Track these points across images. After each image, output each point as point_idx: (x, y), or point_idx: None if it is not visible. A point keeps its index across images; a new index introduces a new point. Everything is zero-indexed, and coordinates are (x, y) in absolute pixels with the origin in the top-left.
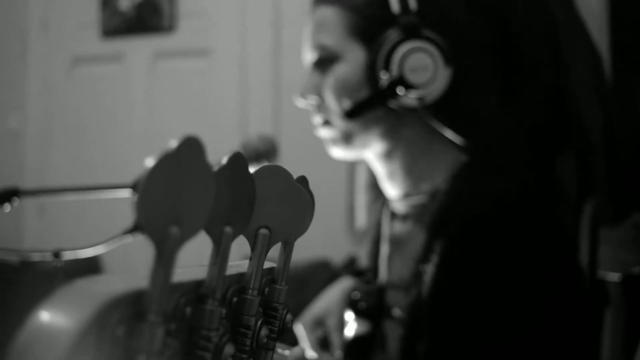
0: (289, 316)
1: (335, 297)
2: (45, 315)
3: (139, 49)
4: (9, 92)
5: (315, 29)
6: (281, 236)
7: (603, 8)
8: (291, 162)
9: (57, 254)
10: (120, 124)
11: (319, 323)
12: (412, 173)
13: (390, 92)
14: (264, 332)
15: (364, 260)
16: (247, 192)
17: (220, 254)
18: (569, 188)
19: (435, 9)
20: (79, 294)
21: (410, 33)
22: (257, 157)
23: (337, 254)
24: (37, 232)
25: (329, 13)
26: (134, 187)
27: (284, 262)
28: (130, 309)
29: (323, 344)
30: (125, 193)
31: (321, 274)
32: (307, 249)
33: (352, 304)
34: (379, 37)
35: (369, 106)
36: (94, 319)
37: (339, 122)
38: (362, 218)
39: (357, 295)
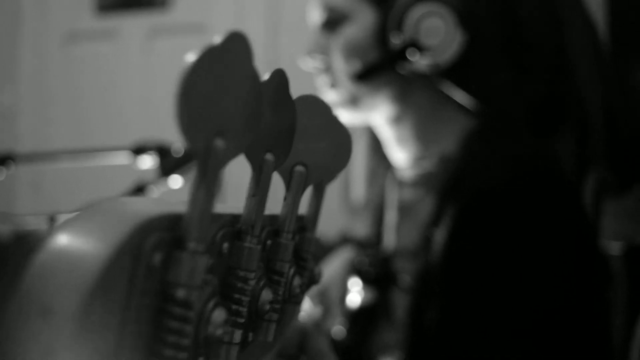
0: (318, 268)
1: (337, 268)
2: (67, 238)
3: (134, 25)
4: (1, 67)
5: None
6: (317, 176)
7: None
8: None
9: (52, 219)
10: (114, 101)
11: (321, 294)
12: (421, 137)
13: (402, 55)
14: (296, 281)
15: (360, 232)
16: (289, 117)
17: (260, 184)
18: (568, 161)
19: None
20: (107, 214)
21: None
22: None
23: (329, 229)
24: (30, 208)
25: None
26: (134, 149)
27: (315, 208)
28: (168, 234)
29: (326, 314)
30: (124, 158)
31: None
32: None
33: (358, 272)
34: None
35: (379, 69)
36: (126, 243)
37: (347, 85)
38: (358, 190)
39: (363, 262)
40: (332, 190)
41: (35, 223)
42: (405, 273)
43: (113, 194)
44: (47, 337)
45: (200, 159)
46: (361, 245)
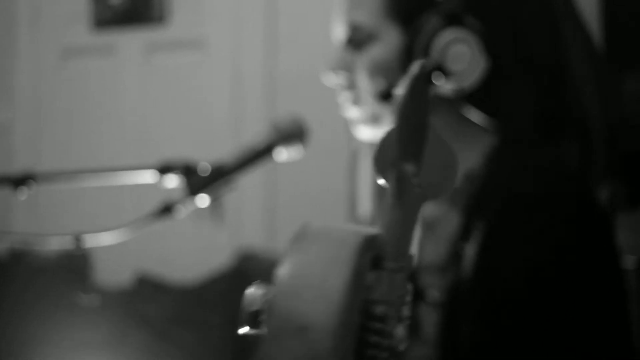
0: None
1: None
2: (302, 261)
3: (131, 40)
4: None
5: (350, 5)
6: (428, 195)
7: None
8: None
9: (78, 239)
10: (111, 117)
11: None
12: None
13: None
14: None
15: None
16: (423, 126)
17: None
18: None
19: None
20: (326, 237)
21: (453, 20)
22: (287, 138)
23: None
24: (50, 228)
25: None
26: (159, 168)
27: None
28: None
29: None
30: (148, 177)
31: None
32: None
33: None
34: (418, 21)
35: None
36: (358, 263)
37: (370, 102)
38: (365, 205)
39: None
40: (337, 206)
41: (60, 243)
42: (433, 288)
43: (138, 213)
44: (305, 353)
45: (392, 183)
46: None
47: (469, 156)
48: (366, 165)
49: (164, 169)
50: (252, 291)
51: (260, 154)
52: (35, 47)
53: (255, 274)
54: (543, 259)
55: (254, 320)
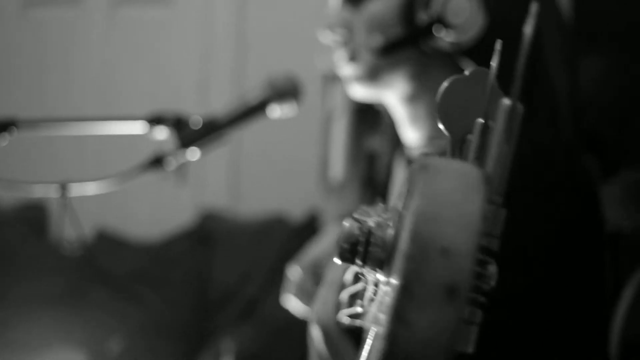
0: None
1: (331, 242)
2: (439, 187)
3: None
4: None
5: None
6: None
7: None
8: None
9: (64, 187)
10: (74, 69)
11: (316, 266)
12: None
13: (428, 31)
14: None
15: (336, 212)
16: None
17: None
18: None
19: None
20: (452, 169)
21: None
22: (281, 95)
23: (295, 208)
24: (35, 175)
25: None
26: (150, 119)
27: None
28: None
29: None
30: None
31: (277, 231)
32: (262, 199)
33: None
34: None
35: (405, 43)
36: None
37: (367, 58)
38: (337, 168)
39: None
40: (304, 167)
41: (45, 191)
42: None
43: (128, 164)
44: (449, 273)
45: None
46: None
47: None
48: (340, 128)
49: (154, 121)
50: (350, 224)
51: (254, 109)
52: None
53: (217, 233)
54: (535, 233)
55: (352, 251)
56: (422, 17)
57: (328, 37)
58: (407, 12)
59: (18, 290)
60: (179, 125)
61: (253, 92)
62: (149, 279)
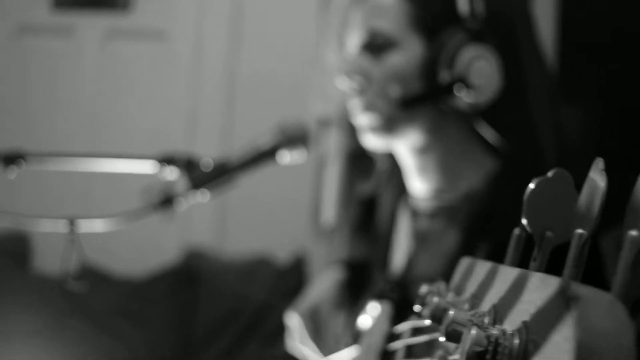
0: None
1: (328, 287)
2: None
3: (91, 24)
4: None
5: (370, 12)
6: (558, 240)
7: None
8: None
9: (72, 223)
10: (65, 100)
11: (314, 312)
12: (447, 170)
13: (449, 89)
14: None
15: (326, 256)
16: (570, 205)
17: (540, 256)
18: None
19: (500, 17)
20: None
21: (477, 37)
22: (292, 142)
23: (281, 250)
24: (40, 210)
25: (389, 0)
26: (160, 159)
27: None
28: None
29: (317, 334)
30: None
31: (262, 272)
32: (248, 240)
33: (381, 295)
34: (441, 34)
35: (426, 99)
36: None
37: (384, 109)
38: (329, 212)
39: (386, 287)
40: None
41: (54, 226)
42: None
43: (137, 203)
44: None
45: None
46: (354, 267)
47: (470, 176)
48: (333, 172)
49: (165, 160)
50: (477, 332)
51: (265, 155)
52: None
53: (202, 272)
54: None
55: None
56: (445, 75)
57: (345, 84)
58: (430, 69)
59: None
60: (190, 166)
61: (263, 137)
62: (132, 315)
